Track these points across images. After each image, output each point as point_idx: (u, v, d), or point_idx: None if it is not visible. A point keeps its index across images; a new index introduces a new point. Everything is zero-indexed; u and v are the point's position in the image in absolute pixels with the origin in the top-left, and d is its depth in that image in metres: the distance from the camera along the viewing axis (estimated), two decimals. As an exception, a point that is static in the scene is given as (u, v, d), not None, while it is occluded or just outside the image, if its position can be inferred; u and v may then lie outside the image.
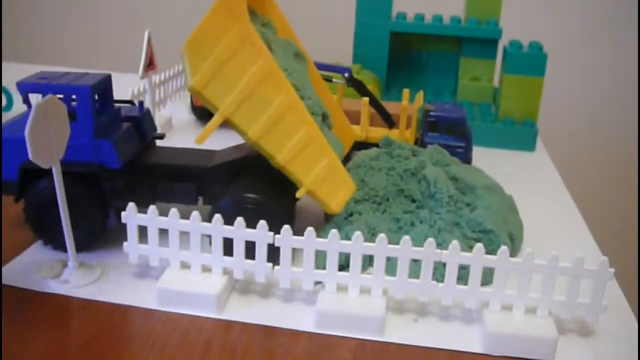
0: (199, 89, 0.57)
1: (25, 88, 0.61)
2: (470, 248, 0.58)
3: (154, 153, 0.69)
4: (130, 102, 0.72)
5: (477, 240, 0.64)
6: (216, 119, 0.58)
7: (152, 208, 0.58)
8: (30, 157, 0.53)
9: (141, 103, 0.71)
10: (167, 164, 0.67)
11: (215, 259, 0.59)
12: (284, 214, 0.62)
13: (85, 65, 1.38)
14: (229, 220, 0.57)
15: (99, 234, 0.66)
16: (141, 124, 0.69)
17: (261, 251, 0.57)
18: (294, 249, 0.57)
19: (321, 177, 0.62)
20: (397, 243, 0.55)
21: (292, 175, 0.61)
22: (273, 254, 0.58)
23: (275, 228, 0.57)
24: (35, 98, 0.60)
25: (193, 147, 0.67)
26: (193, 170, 0.66)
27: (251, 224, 0.57)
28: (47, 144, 0.55)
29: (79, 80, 0.63)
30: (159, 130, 0.74)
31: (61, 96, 0.61)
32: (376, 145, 0.75)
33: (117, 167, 0.63)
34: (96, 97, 0.64)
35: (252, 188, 0.62)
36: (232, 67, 0.57)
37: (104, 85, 0.65)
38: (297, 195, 0.62)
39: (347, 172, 0.63)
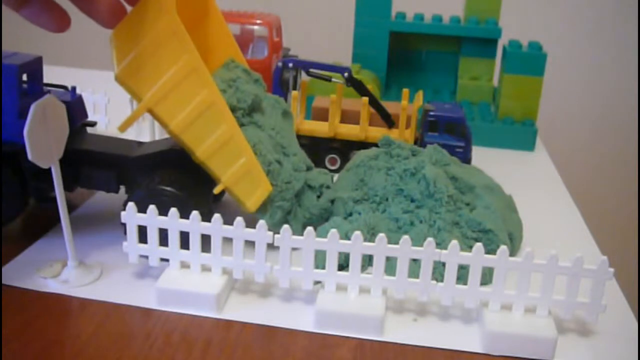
0: (123, 78, 0.58)
1: None
2: (470, 248, 0.58)
3: (80, 139, 0.69)
4: (64, 87, 0.72)
5: (477, 240, 0.64)
6: (139, 110, 0.60)
7: (152, 208, 0.58)
8: (30, 156, 0.53)
9: (74, 89, 0.71)
10: (89, 150, 0.67)
11: (214, 259, 0.59)
12: (200, 208, 0.61)
13: (86, 65, 1.38)
14: (144, 211, 0.58)
15: (15, 215, 0.67)
16: (71, 109, 0.68)
17: (260, 251, 0.58)
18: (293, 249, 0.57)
19: (238, 176, 0.63)
20: (397, 243, 0.55)
21: (211, 171, 0.63)
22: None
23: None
24: None
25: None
26: (114, 159, 0.66)
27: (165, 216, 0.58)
28: (45, 143, 0.55)
29: (8, 59, 0.63)
30: (158, 131, 0.74)
31: None
32: (375, 145, 0.75)
33: None
34: (24, 77, 0.64)
35: (168, 180, 0.63)
36: (158, 60, 0.58)
37: (34, 66, 0.65)
38: (215, 191, 0.63)
39: (264, 172, 0.64)
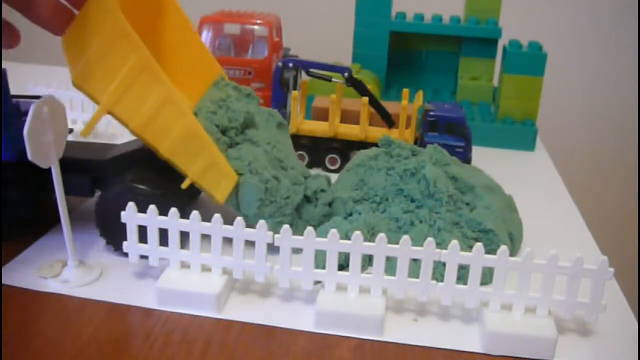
0: (79, 83, 0.59)
1: None
2: (470, 248, 0.58)
3: None
4: (37, 97, 0.72)
5: (477, 240, 0.64)
6: (98, 113, 0.60)
7: (151, 207, 0.58)
8: (29, 157, 0.53)
9: None
10: (62, 157, 0.67)
11: (214, 259, 0.59)
12: (175, 206, 0.61)
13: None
14: (119, 210, 0.59)
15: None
16: None
17: (260, 251, 0.58)
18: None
19: (203, 169, 0.63)
20: (397, 243, 0.55)
21: (177, 167, 0.63)
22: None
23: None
24: None
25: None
26: (88, 163, 0.67)
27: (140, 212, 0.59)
28: (45, 143, 0.55)
29: None
30: None
31: None
32: (375, 145, 0.75)
33: (11, 160, 0.64)
34: None
35: (142, 179, 0.63)
36: (109, 61, 0.58)
37: None
38: (182, 186, 0.64)
39: (228, 164, 0.64)
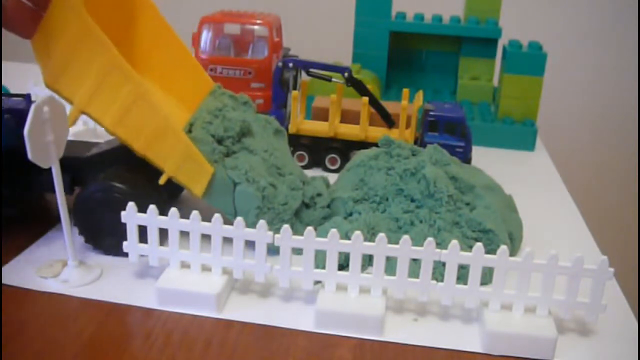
0: (50, 84, 0.59)
1: None
2: (470, 247, 0.58)
3: None
4: (21, 95, 0.72)
5: (477, 240, 0.64)
6: (73, 113, 0.60)
7: (151, 207, 0.58)
8: (30, 157, 0.53)
9: (29, 96, 0.71)
10: None
11: (214, 259, 0.59)
12: (151, 203, 0.61)
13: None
14: (97, 208, 0.60)
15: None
16: (24, 116, 0.68)
17: (260, 251, 0.58)
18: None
19: (178, 163, 0.63)
20: (397, 243, 0.55)
21: (153, 162, 0.63)
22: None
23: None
24: None
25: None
26: (67, 161, 0.66)
27: (118, 212, 0.59)
28: (46, 143, 0.55)
29: None
30: None
31: None
32: (375, 144, 0.75)
33: None
34: None
35: (119, 177, 0.63)
36: (78, 61, 0.59)
37: None
38: (160, 181, 0.64)
39: (203, 157, 0.64)
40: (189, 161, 0.63)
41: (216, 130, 0.66)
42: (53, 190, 0.67)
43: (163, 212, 0.59)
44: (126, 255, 0.61)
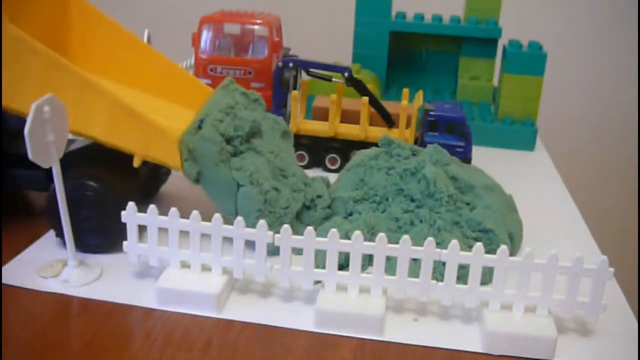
0: (7, 104, 0.60)
1: None
2: (470, 247, 0.58)
3: (12, 142, 0.70)
4: None
5: (477, 240, 0.64)
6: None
7: (151, 207, 0.58)
8: (30, 156, 0.53)
9: None
10: (17, 152, 0.67)
11: (215, 259, 0.59)
12: (126, 201, 0.62)
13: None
14: (69, 205, 0.59)
15: None
16: (3, 113, 0.69)
17: (261, 250, 0.58)
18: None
19: (144, 142, 0.63)
20: (397, 242, 0.55)
21: (121, 148, 0.63)
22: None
23: (117, 214, 0.59)
24: None
25: None
26: None
27: (91, 209, 0.60)
28: (46, 143, 0.55)
29: None
30: None
31: None
32: (376, 144, 0.75)
33: None
34: None
35: (92, 175, 0.63)
36: (18, 71, 0.59)
37: None
38: (134, 165, 0.64)
39: (162, 128, 0.64)
40: (152, 136, 0.63)
41: (226, 129, 0.66)
42: (28, 187, 0.68)
43: (140, 210, 0.59)
44: (98, 251, 0.63)
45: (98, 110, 0.61)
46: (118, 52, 0.75)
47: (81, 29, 0.74)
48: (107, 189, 0.63)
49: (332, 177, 0.77)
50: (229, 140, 0.66)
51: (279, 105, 0.92)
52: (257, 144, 0.69)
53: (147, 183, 0.70)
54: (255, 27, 1.04)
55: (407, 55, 1.21)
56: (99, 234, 0.64)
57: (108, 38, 0.74)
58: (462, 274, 0.59)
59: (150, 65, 0.75)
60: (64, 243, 0.65)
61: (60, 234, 0.65)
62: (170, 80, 0.75)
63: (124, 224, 0.60)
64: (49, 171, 0.67)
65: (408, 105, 0.87)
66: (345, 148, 0.90)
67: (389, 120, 0.91)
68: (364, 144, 0.85)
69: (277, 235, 0.56)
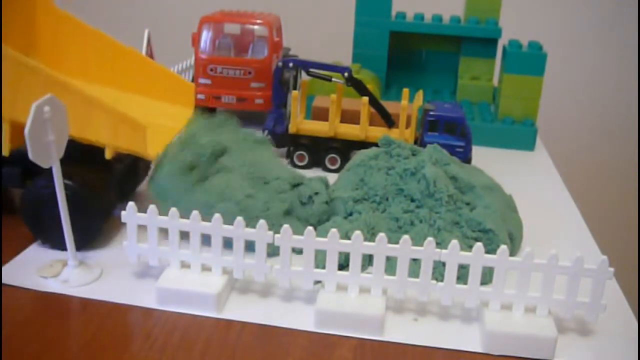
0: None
1: None
2: (470, 247, 0.58)
3: None
4: None
5: (477, 240, 0.64)
6: (5, 128, 0.60)
7: (152, 207, 0.58)
8: (30, 156, 0.53)
9: None
10: None
11: (214, 259, 0.59)
12: (101, 200, 0.62)
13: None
14: (43, 203, 0.60)
15: None
16: None
17: (261, 250, 0.58)
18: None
19: (112, 132, 0.63)
20: (397, 242, 0.55)
21: (91, 141, 0.63)
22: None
23: (92, 212, 0.59)
24: None
25: None
26: (19, 154, 0.65)
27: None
28: (46, 143, 0.55)
29: None
30: None
31: None
32: (376, 144, 0.75)
33: None
34: None
35: (66, 173, 0.62)
36: None
37: None
38: (107, 157, 0.64)
39: (132, 116, 0.64)
40: (120, 126, 0.63)
41: (186, 157, 0.67)
42: (4, 183, 0.67)
43: (113, 208, 0.59)
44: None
45: (71, 105, 0.61)
46: (92, 54, 0.75)
47: (52, 34, 0.74)
48: (82, 186, 0.63)
49: (332, 177, 0.77)
50: (192, 168, 0.68)
51: (279, 105, 0.92)
52: (227, 162, 0.70)
53: (124, 181, 0.70)
54: (255, 27, 1.04)
55: (407, 55, 1.21)
56: (74, 232, 0.64)
57: (81, 40, 0.75)
58: (462, 274, 0.59)
59: (130, 65, 0.76)
60: (41, 243, 0.65)
61: (35, 232, 0.65)
62: (150, 77, 0.76)
63: (100, 221, 0.60)
64: (24, 168, 0.67)
65: (408, 105, 0.87)
66: (345, 148, 0.90)
67: (389, 120, 0.91)
68: (364, 144, 0.85)
69: (277, 235, 0.56)
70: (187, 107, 0.76)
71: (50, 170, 0.63)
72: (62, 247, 0.64)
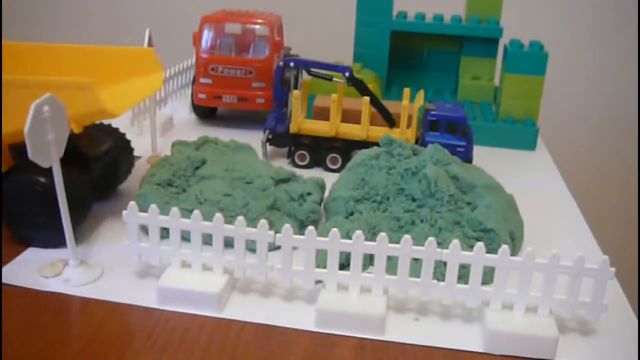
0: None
1: None
2: (471, 247, 0.58)
3: None
4: None
5: (478, 239, 0.64)
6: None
7: (152, 207, 0.58)
8: (30, 156, 0.53)
9: None
10: None
11: (216, 258, 0.59)
12: (77, 198, 0.62)
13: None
14: (18, 199, 0.61)
15: None
16: None
17: (262, 250, 0.58)
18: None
19: (71, 103, 0.61)
20: (398, 242, 0.55)
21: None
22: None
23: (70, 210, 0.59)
24: None
25: None
26: None
27: (40, 204, 0.61)
28: (46, 143, 0.55)
29: None
30: (159, 129, 0.75)
31: None
32: (377, 144, 0.75)
33: None
34: None
35: (42, 170, 0.61)
36: None
37: None
38: (75, 131, 0.64)
39: (71, 79, 0.64)
40: (72, 92, 0.62)
41: (161, 177, 0.70)
42: None
43: (90, 206, 0.61)
44: (48, 246, 0.64)
45: (20, 101, 0.59)
46: (47, 69, 0.75)
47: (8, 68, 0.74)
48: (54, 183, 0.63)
49: (333, 177, 0.77)
50: (171, 183, 0.70)
51: (279, 104, 0.92)
52: (205, 172, 0.73)
53: (103, 180, 0.71)
54: (257, 26, 1.04)
55: (408, 54, 1.21)
56: (49, 229, 0.64)
57: (35, 59, 0.75)
58: (463, 274, 0.59)
59: (86, 61, 0.75)
60: (19, 242, 0.65)
61: (12, 230, 0.65)
62: (110, 63, 0.75)
63: (75, 218, 0.61)
64: None
65: (409, 104, 0.87)
66: (346, 148, 0.90)
67: (390, 120, 0.91)
68: (365, 144, 0.85)
69: (278, 235, 0.56)
70: (156, 72, 0.75)
71: (26, 168, 0.63)
72: (34, 243, 0.65)
